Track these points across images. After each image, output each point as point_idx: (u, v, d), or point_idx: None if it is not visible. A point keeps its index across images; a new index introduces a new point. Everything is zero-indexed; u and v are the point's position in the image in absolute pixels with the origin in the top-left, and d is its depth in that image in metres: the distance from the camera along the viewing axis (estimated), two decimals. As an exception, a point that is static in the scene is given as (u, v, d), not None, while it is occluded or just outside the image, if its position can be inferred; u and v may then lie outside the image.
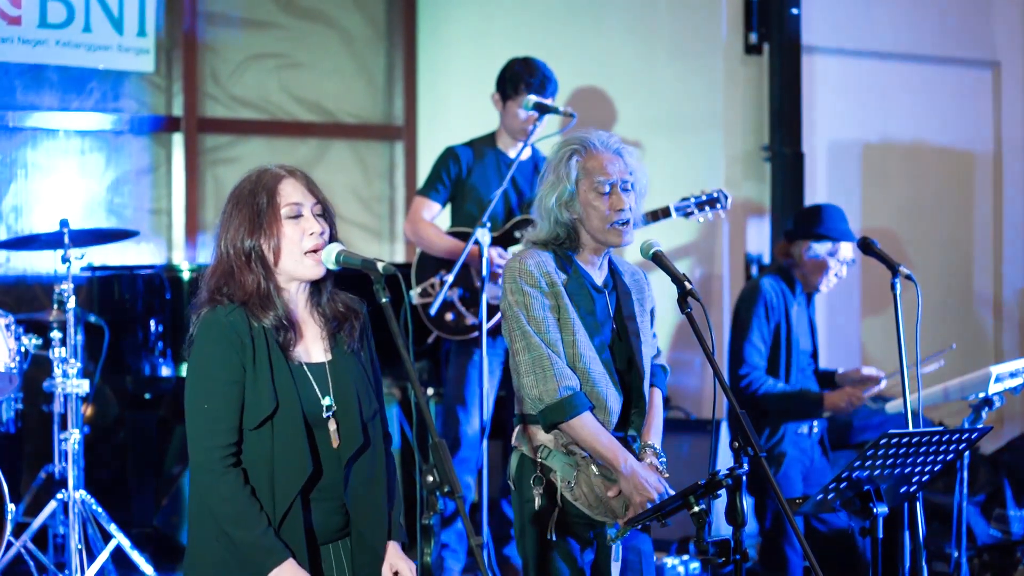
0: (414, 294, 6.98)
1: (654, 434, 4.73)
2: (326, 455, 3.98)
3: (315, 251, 3.98)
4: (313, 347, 4.04)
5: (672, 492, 4.52)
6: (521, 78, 6.97)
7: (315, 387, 3.98)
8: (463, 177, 7.07)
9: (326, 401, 3.98)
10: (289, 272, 3.99)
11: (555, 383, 4.54)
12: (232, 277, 3.96)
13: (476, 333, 6.88)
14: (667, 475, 4.65)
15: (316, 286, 4.05)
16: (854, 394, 6.59)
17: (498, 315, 6.77)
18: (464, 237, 6.92)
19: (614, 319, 4.70)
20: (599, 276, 4.72)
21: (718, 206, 6.80)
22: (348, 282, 4.21)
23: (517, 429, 4.71)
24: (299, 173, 4.05)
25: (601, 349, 4.64)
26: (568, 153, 4.66)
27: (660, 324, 4.92)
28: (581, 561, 4.67)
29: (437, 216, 7.15)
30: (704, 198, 6.76)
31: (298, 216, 3.97)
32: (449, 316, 6.91)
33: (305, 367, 3.99)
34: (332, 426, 3.98)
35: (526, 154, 7.02)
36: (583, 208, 4.64)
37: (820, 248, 6.65)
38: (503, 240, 6.95)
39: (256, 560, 3.87)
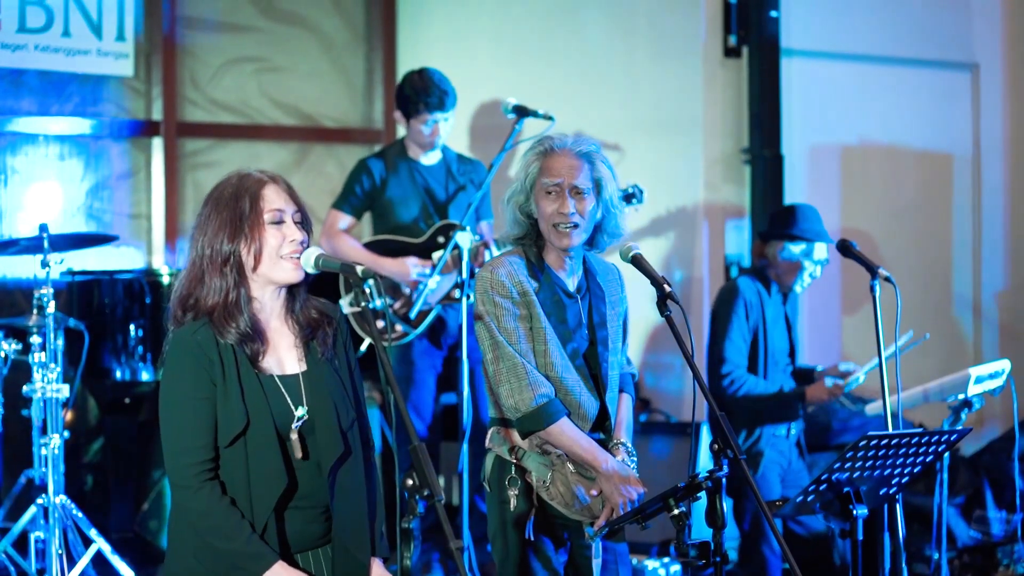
0: (344, 303, 7.00)
1: (624, 431, 4.76)
2: (301, 466, 3.95)
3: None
4: (287, 357, 4.01)
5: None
6: (419, 98, 7.01)
7: (288, 400, 3.95)
8: (377, 188, 7.16)
9: (299, 412, 3.95)
10: (268, 276, 3.95)
11: (530, 392, 4.55)
12: (201, 283, 3.93)
13: (408, 339, 7.02)
14: (637, 474, 4.67)
15: (291, 293, 4.02)
16: (834, 384, 6.59)
17: (429, 318, 6.88)
18: (380, 247, 7.00)
19: (587, 326, 4.71)
20: (572, 281, 4.73)
21: (634, 201, 6.81)
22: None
23: (492, 431, 4.72)
24: (281, 180, 4.02)
25: (574, 356, 4.65)
26: (535, 153, 4.70)
27: (640, 326, 4.93)
28: (556, 561, 4.68)
29: (351, 229, 7.31)
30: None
31: (280, 222, 3.95)
32: (380, 324, 6.95)
33: (277, 379, 3.96)
34: (294, 435, 3.93)
35: (436, 158, 7.11)
36: (536, 207, 4.66)
37: (794, 249, 6.64)
38: (426, 247, 6.99)
39: (246, 568, 3.85)
